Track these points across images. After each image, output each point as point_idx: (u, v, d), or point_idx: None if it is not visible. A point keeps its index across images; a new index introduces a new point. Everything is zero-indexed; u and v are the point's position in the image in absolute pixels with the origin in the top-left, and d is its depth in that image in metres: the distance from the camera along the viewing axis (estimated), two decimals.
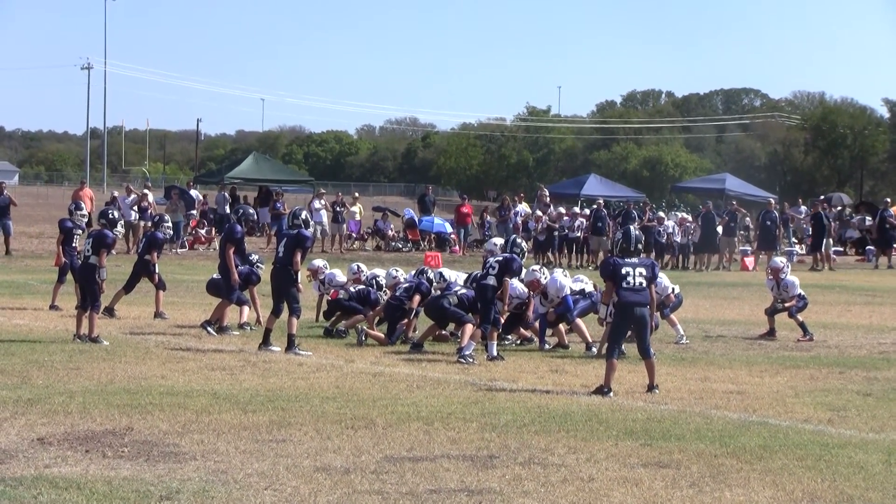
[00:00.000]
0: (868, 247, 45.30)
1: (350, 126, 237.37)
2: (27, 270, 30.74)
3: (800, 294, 19.63)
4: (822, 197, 57.54)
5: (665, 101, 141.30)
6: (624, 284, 13.50)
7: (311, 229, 17.82)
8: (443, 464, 9.64)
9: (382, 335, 17.84)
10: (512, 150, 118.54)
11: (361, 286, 19.06)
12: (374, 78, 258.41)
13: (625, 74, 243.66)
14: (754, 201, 52.82)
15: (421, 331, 17.65)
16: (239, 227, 18.96)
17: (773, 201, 44.52)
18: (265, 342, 16.49)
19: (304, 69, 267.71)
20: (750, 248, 42.88)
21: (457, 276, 18.81)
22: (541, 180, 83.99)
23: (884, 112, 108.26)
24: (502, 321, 16.80)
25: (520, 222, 41.85)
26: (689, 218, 40.43)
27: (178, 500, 8.41)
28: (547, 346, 17.60)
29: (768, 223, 40.08)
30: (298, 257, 16.51)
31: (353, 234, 43.75)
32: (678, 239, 39.26)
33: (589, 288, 18.13)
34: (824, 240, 40.38)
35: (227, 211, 43.00)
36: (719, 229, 39.49)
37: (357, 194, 48.66)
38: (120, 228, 20.03)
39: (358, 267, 20.00)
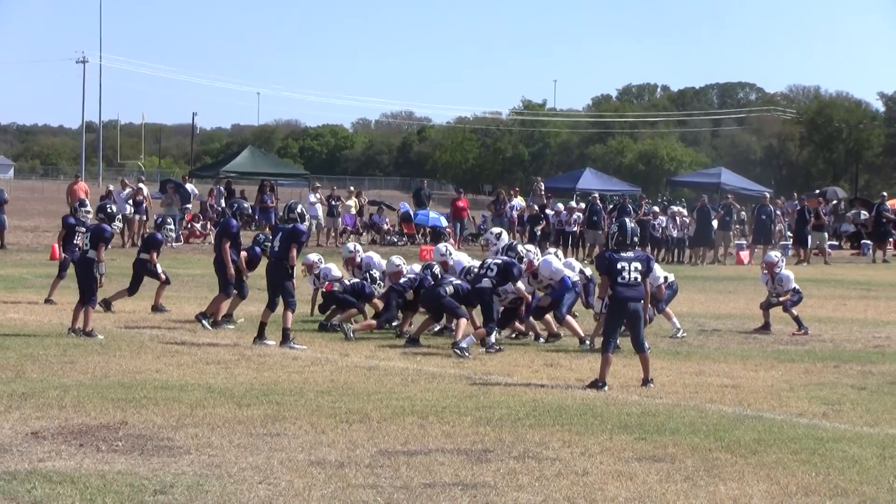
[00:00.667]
0: (864, 241, 45.36)
1: (346, 120, 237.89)
2: (22, 264, 30.71)
3: (794, 288, 19.64)
4: (818, 191, 57.53)
5: (661, 94, 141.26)
6: (619, 279, 13.49)
7: (307, 223, 17.81)
8: (437, 458, 9.64)
9: (374, 322, 18.07)
10: (508, 144, 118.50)
11: (356, 280, 19.07)
12: (369, 72, 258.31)
13: (620, 68, 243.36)
14: (750, 195, 52.83)
15: (416, 324, 17.66)
16: (234, 222, 19.00)
17: (768, 195, 44.58)
18: (260, 336, 16.50)
19: (300, 63, 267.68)
20: (745, 242, 42.91)
21: (469, 263, 18.41)
22: (536, 174, 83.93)
23: (879, 106, 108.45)
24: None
25: (515, 216, 41.88)
26: (685, 212, 40.41)
27: (172, 494, 8.40)
28: (542, 340, 17.63)
29: (763, 217, 40.12)
30: (294, 252, 16.50)
31: (349, 228, 43.73)
32: (674, 233, 39.27)
33: (575, 277, 17.94)
34: (808, 235, 40.48)
35: (223, 205, 43.01)
36: (714, 223, 39.52)
37: (353, 188, 48.56)
38: (118, 223, 19.98)
39: (354, 247, 20.23)
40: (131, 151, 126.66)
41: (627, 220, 14.48)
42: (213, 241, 20.41)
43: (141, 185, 40.92)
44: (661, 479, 9.13)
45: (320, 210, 42.18)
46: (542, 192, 44.44)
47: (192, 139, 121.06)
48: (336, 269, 19.61)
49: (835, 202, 53.88)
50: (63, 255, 20.87)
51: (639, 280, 13.53)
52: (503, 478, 9.06)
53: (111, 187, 42.19)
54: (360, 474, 9.06)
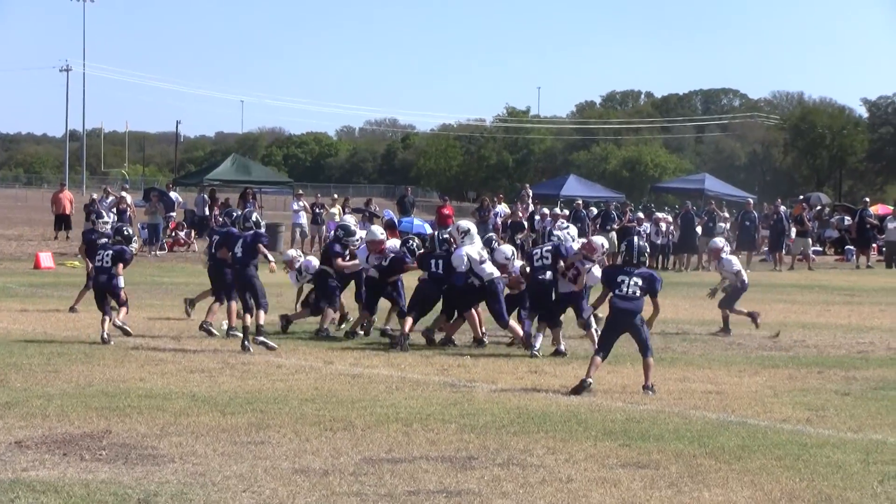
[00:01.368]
0: (847, 246, 45.48)
1: (330, 128, 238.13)
2: (5, 273, 30.59)
3: (738, 271, 20.05)
4: (801, 197, 57.72)
5: (644, 101, 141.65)
6: (617, 291, 13.66)
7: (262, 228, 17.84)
8: (421, 465, 9.63)
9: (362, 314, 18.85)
10: (492, 151, 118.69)
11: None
12: (353, 79, 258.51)
13: (604, 75, 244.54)
14: (733, 201, 52.93)
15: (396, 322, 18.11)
16: (236, 231, 19.08)
17: (751, 201, 44.63)
18: (257, 333, 16.56)
19: (284, 71, 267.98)
20: (729, 248, 42.85)
21: (478, 253, 17.65)
22: (520, 181, 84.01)
23: (862, 112, 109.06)
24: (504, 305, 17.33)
25: (499, 223, 41.84)
26: (669, 218, 40.41)
27: (157, 503, 8.38)
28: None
29: (747, 223, 40.18)
30: (258, 253, 16.88)
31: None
32: (659, 241, 39.25)
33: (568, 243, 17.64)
34: (783, 241, 40.65)
35: (206, 213, 42.92)
36: (698, 230, 39.55)
37: (336, 196, 48.50)
38: (135, 244, 19.88)
39: (297, 251, 20.79)
40: (115, 160, 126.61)
41: (636, 238, 14.62)
42: (205, 250, 20.41)
43: (124, 193, 40.86)
44: (645, 486, 9.14)
45: (304, 218, 42.13)
46: (530, 199, 44.41)
47: (176, 147, 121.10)
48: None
49: (818, 208, 54.01)
50: (91, 266, 20.67)
51: (637, 294, 13.62)
52: (487, 485, 9.06)
53: (95, 196, 42.09)
54: (344, 482, 9.05)
